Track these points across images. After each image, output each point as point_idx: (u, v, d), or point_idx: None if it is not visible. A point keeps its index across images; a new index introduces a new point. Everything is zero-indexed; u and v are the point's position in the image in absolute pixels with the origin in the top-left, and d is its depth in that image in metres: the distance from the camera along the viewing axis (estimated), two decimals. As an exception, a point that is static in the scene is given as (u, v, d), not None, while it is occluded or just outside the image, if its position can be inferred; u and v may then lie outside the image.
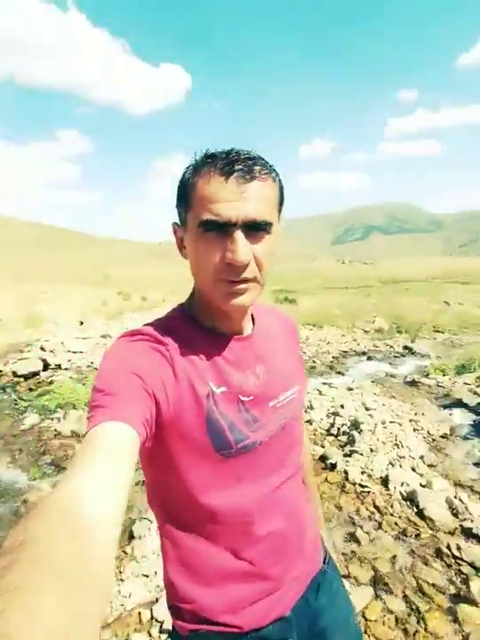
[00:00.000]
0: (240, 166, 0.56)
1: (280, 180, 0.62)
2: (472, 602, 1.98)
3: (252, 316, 0.76)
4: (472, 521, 2.48)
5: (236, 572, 0.69)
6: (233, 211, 0.55)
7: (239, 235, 0.56)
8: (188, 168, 0.62)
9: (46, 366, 6.07)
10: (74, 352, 6.64)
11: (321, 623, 0.80)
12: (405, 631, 1.88)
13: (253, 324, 0.75)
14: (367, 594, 2.07)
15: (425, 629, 1.88)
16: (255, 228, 0.58)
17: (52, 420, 4.31)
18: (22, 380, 5.70)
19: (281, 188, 0.63)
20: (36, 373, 5.84)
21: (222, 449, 0.63)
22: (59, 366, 6.14)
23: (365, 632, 1.88)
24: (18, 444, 3.91)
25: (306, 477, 0.93)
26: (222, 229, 0.57)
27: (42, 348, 6.79)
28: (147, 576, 2.26)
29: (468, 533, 2.42)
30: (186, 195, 0.60)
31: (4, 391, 5.38)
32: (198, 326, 0.68)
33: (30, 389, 5.40)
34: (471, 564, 2.19)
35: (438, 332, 10.85)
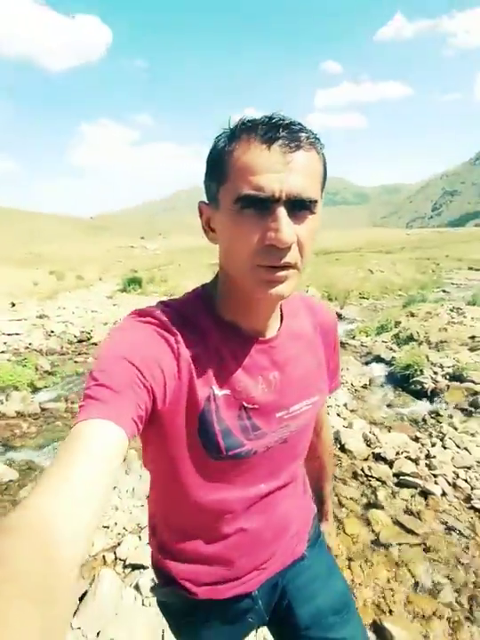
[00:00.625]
0: (285, 133, 0.49)
1: (324, 154, 0.55)
2: (379, 507, 2.52)
3: (281, 312, 0.69)
4: (381, 447, 3.05)
5: (213, 560, 0.71)
6: (276, 183, 0.48)
7: (282, 212, 0.49)
8: (220, 136, 0.54)
9: (-21, 350, 5.81)
10: (9, 334, 6.40)
11: (288, 601, 0.80)
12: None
13: (281, 322, 0.68)
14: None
15: (343, 532, 2.38)
16: (299, 206, 0.51)
17: (-6, 402, 4.26)
18: (-47, 366, 5.43)
19: (325, 162, 0.55)
20: (-33, 359, 5.57)
21: (212, 453, 0.61)
22: (-7, 349, 5.92)
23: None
24: (-40, 429, 3.85)
25: (323, 454, 0.96)
26: (263, 206, 0.50)
27: (-29, 332, 6.44)
28: (107, 527, 2.51)
29: (377, 457, 2.99)
30: (218, 166, 0.53)
31: None
32: (217, 318, 0.62)
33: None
34: (378, 479, 2.74)
35: (364, 298, 11.86)
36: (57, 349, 6.12)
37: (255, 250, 0.51)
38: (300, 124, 0.51)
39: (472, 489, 2.52)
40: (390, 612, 1.85)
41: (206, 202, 0.58)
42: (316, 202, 0.52)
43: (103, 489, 0.41)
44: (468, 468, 2.69)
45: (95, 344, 6.43)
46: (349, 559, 2.16)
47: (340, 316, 9.61)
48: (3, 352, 5.87)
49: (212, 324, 0.61)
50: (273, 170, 0.49)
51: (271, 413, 0.65)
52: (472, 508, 2.40)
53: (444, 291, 12.41)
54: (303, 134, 0.50)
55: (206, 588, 0.72)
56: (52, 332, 6.67)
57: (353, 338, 7.08)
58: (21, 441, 3.66)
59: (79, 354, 6.02)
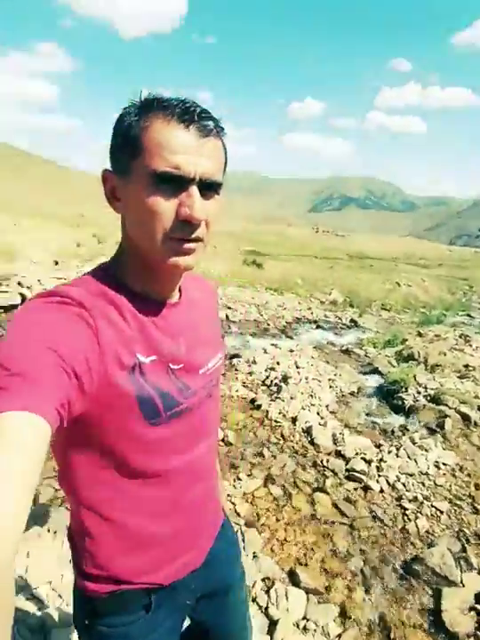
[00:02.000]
0: (199, 119, 0.54)
1: (225, 146, 0.60)
2: (325, 491, 3.03)
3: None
4: (344, 447, 3.53)
5: (160, 537, 0.71)
6: (191, 165, 0.53)
7: (196, 191, 0.54)
8: (131, 108, 0.56)
9: (24, 300, 6.63)
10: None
11: (214, 567, 0.85)
12: (277, 504, 2.90)
13: (180, 291, 0.72)
14: (258, 483, 3.08)
15: (291, 505, 2.91)
16: (209, 187, 0.56)
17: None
18: (2, 311, 6.27)
19: (226, 151, 0.61)
20: (14, 306, 6.39)
21: (152, 417, 0.61)
22: (36, 302, 6.71)
23: (251, 503, 2.89)
24: None
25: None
26: (179, 184, 0.54)
27: (19, 284, 7.26)
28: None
29: (337, 454, 3.48)
30: (131, 139, 0.55)
31: (-15, 319, 5.96)
32: (128, 290, 0.63)
33: (9, 321, 5.99)
34: (332, 470, 3.25)
35: (385, 309, 12.01)
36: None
37: (169, 224, 0.55)
38: (209, 112, 0.56)
39: (406, 491, 2.98)
40: (306, 565, 2.39)
41: (111, 171, 0.60)
42: (221, 185, 0.59)
43: (31, 482, 0.41)
44: (411, 474, 3.14)
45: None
46: (287, 524, 2.70)
47: (355, 324, 9.85)
48: (43, 306, 6.64)
49: (124, 295, 0.61)
50: (189, 152, 0.53)
51: (196, 371, 0.70)
52: (400, 505, 2.88)
53: (469, 315, 12.36)
54: (214, 123, 0.56)
55: (168, 570, 0.73)
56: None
57: (361, 347, 7.39)
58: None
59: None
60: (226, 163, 0.61)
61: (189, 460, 0.71)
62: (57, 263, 9.76)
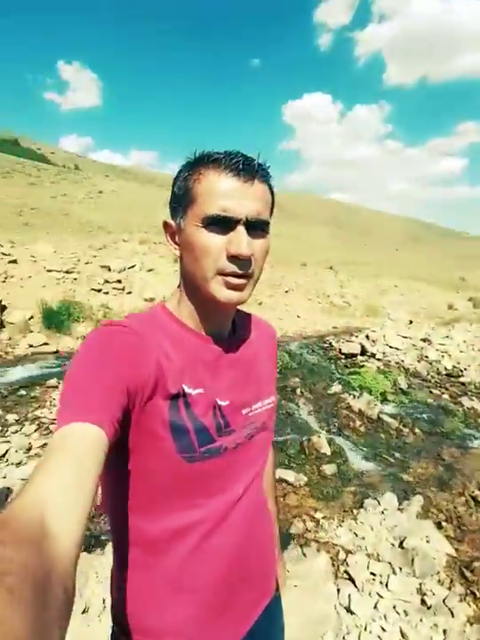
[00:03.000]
0: (245, 166, 0.59)
1: (273, 187, 0.65)
2: None
3: (233, 321, 0.75)
4: None
5: (189, 590, 0.66)
6: (239, 207, 0.58)
7: (242, 230, 0.59)
8: (185, 165, 0.64)
9: (363, 352, 7.18)
10: (390, 347, 7.37)
11: None
12: None
13: (234, 329, 0.75)
14: None
15: None
16: (256, 227, 0.61)
17: (350, 395, 5.31)
18: (343, 357, 7.09)
19: (273, 192, 0.66)
20: (354, 355, 7.06)
21: (185, 451, 0.61)
22: (373, 355, 7.10)
23: None
24: (321, 403, 5.21)
25: (268, 497, 0.89)
26: (227, 224, 0.59)
27: (366, 337, 7.94)
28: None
29: None
30: (186, 190, 0.62)
31: (330, 361, 6.95)
32: (180, 324, 0.68)
33: (345, 366, 6.68)
34: None
35: None
36: (422, 374, 6.41)
37: (219, 260, 0.60)
38: (253, 159, 0.61)
39: None
40: None
41: (171, 221, 0.66)
42: (268, 223, 0.64)
43: (90, 491, 0.42)
44: None
45: (463, 383, 6.14)
46: None
47: None
48: (378, 359, 6.93)
49: (178, 330, 0.67)
50: (236, 196, 0.59)
51: (238, 410, 0.69)
52: None
53: None
54: (260, 170, 0.61)
55: (194, 636, 0.67)
56: (426, 357, 6.98)
57: None
58: (351, 433, 4.50)
59: (439, 387, 6.03)
60: (273, 203, 0.66)
61: (225, 503, 0.68)
62: (411, 322, 9.85)
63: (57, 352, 6.31)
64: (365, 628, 1.85)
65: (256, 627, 0.75)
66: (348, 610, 1.97)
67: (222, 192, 0.59)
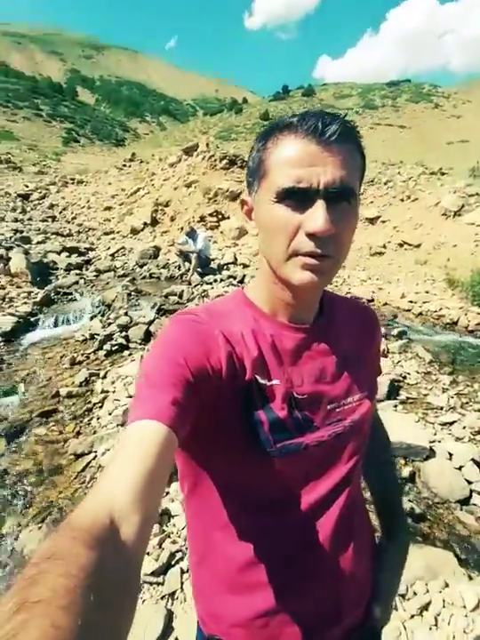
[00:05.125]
0: (322, 127, 0.51)
1: (363, 148, 0.57)
2: None
3: (322, 305, 0.69)
4: None
5: (267, 590, 0.62)
6: (314, 176, 0.51)
7: (321, 203, 0.51)
8: (260, 134, 0.58)
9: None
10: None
11: None
12: None
13: (322, 314, 0.68)
14: None
15: None
16: (337, 198, 0.52)
17: None
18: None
19: (364, 157, 0.57)
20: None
21: (262, 447, 0.58)
22: None
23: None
24: None
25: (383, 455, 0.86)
26: (303, 197, 0.52)
27: None
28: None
29: None
30: (259, 162, 0.57)
31: None
32: (258, 311, 0.64)
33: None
34: None
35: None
36: None
37: (294, 239, 0.53)
38: (337, 116, 0.53)
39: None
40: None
41: (248, 197, 0.61)
42: (353, 192, 0.54)
43: (159, 489, 0.42)
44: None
45: None
46: None
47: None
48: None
49: (253, 317, 0.63)
50: (311, 163, 0.51)
51: (321, 404, 0.63)
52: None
53: None
54: (340, 127, 0.51)
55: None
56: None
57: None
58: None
59: None
60: (364, 168, 0.58)
61: (308, 503, 0.62)
62: None
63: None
64: None
65: None
66: None
67: (296, 160, 0.52)
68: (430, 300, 6.36)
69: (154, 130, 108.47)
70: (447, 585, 1.77)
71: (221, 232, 10.23)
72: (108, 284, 6.62)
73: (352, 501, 0.67)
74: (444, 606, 1.68)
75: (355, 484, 0.69)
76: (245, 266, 7.87)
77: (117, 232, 11.12)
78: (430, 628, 1.59)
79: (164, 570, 1.83)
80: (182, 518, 2.08)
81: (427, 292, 6.70)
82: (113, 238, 10.55)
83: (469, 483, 2.42)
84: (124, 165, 17.64)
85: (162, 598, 1.72)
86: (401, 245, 8.50)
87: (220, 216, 10.69)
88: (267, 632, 0.63)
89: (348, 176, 0.52)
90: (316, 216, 0.51)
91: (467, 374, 4.01)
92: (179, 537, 2.01)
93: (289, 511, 0.62)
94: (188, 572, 1.83)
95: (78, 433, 3.01)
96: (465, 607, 1.66)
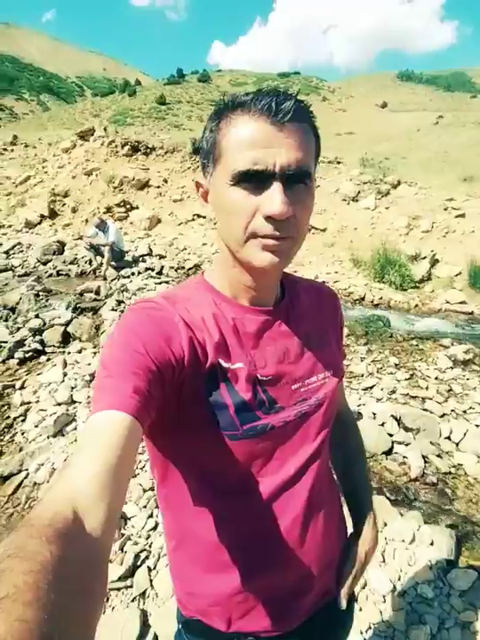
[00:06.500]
0: (275, 106, 0.49)
1: (317, 128, 0.56)
2: None
3: (283, 288, 0.69)
4: None
5: (237, 572, 0.64)
6: (270, 157, 0.49)
7: (278, 185, 0.50)
8: (212, 114, 0.56)
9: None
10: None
11: None
12: None
13: (283, 296, 0.68)
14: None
15: None
16: (294, 179, 0.52)
17: None
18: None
19: (318, 137, 0.56)
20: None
21: (226, 430, 0.58)
22: None
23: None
24: None
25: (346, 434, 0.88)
26: (258, 180, 0.51)
27: None
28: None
29: None
30: (213, 143, 0.54)
31: None
32: (219, 295, 0.63)
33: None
34: None
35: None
36: None
37: (253, 222, 0.52)
38: (290, 95, 0.51)
39: None
40: None
41: (203, 179, 0.59)
42: (309, 174, 0.53)
43: (123, 480, 0.42)
44: None
45: None
46: None
47: None
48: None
49: (214, 302, 0.62)
50: (266, 144, 0.49)
51: (286, 385, 0.63)
52: None
53: None
54: (294, 106, 0.50)
55: (241, 619, 0.65)
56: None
57: None
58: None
59: None
60: (319, 148, 0.57)
61: (276, 484, 0.63)
62: None
63: (471, 314, 5.96)
64: None
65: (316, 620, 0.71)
66: None
67: (251, 141, 0.50)
68: (340, 279, 7.00)
69: (34, 109, 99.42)
70: (385, 524, 2.05)
71: (131, 223, 9.87)
72: (6, 285, 6.10)
73: (321, 474, 0.69)
74: (386, 543, 1.95)
75: (323, 458, 0.70)
76: (162, 257, 7.79)
77: (9, 226, 10.07)
78: (380, 565, 1.84)
79: (131, 572, 1.81)
80: (140, 518, 2.09)
81: (336, 273, 7.36)
82: (4, 233, 9.52)
83: (391, 435, 2.82)
84: (5, 150, 15.78)
85: (133, 600, 1.71)
86: (309, 230, 9.18)
87: (128, 206, 10.27)
88: (244, 606, 0.65)
89: (304, 157, 0.52)
90: (274, 199, 0.50)
91: (378, 343, 4.60)
92: (139, 537, 1.99)
93: (259, 491, 0.62)
94: (155, 568, 1.84)
95: (1, 453, 2.76)
96: (404, 541, 1.95)
